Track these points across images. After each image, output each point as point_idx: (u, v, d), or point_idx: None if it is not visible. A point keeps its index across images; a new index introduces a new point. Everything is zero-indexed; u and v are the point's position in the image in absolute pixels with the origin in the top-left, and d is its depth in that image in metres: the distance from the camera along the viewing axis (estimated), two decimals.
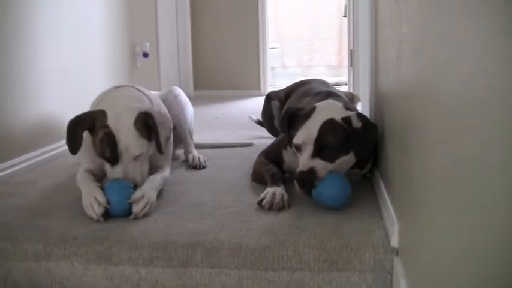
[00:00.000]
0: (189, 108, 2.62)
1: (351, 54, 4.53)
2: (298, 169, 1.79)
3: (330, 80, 4.61)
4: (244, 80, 6.28)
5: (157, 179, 1.90)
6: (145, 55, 4.44)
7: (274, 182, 1.91)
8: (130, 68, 4.14)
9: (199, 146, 2.73)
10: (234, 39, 6.23)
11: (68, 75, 2.99)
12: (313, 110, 1.88)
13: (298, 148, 1.84)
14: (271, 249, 1.49)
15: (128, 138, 1.80)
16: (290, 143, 1.92)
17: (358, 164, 1.94)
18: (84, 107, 2.18)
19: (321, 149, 1.79)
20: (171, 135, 2.22)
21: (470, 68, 0.76)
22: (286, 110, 2.04)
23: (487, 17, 0.69)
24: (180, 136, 2.55)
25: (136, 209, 1.72)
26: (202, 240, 1.55)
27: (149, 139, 1.87)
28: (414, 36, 1.23)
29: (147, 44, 4.48)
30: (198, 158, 2.48)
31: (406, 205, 1.34)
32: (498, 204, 0.64)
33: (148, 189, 1.80)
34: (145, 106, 1.93)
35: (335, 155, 1.80)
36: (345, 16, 5.81)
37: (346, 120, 1.82)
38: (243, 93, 6.14)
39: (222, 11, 6.19)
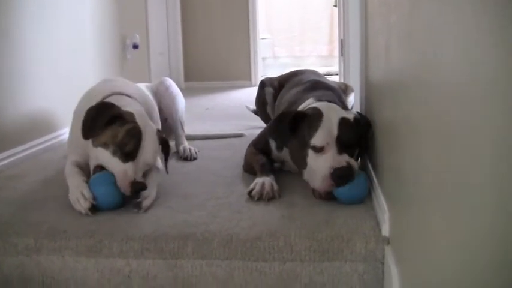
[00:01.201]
0: (180, 99, 2.61)
1: (342, 43, 4.53)
2: (333, 166, 1.72)
3: (321, 70, 4.61)
4: (235, 70, 6.27)
5: (155, 176, 1.91)
6: (136, 47, 4.41)
7: (264, 172, 1.91)
8: (121, 59, 4.12)
9: (190, 138, 2.72)
10: (224, 30, 6.21)
11: (57, 68, 2.97)
12: (319, 111, 1.84)
13: (320, 149, 1.78)
14: (262, 240, 1.49)
15: (151, 143, 1.81)
16: (304, 143, 1.81)
17: None
18: (74, 100, 2.17)
19: (344, 146, 1.78)
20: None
21: (458, 59, 0.76)
22: (283, 115, 1.93)
23: (475, 5, 0.69)
24: (171, 128, 2.55)
25: (146, 203, 1.73)
26: (193, 231, 1.55)
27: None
28: (402, 26, 1.23)
29: (137, 35, 4.45)
30: (189, 149, 2.47)
31: (396, 194, 1.34)
32: (487, 194, 0.64)
33: (151, 187, 1.81)
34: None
35: (353, 150, 1.81)
36: (335, 6, 5.80)
37: (356, 119, 1.85)
38: (234, 84, 6.13)
39: (212, 1, 6.16)
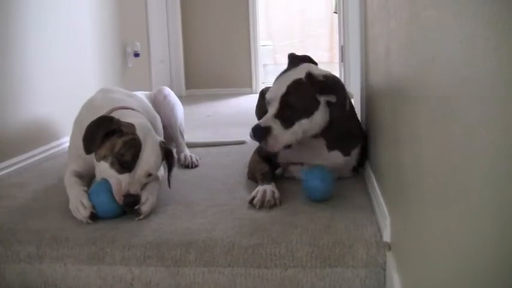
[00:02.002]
0: (179, 107, 2.61)
1: (342, 50, 4.54)
2: (259, 122, 1.83)
3: None
4: (236, 78, 6.28)
5: (155, 183, 1.90)
6: (136, 55, 4.43)
7: (265, 180, 1.91)
8: (122, 68, 4.13)
9: (191, 145, 2.73)
10: (225, 37, 6.22)
11: (58, 77, 2.98)
12: (289, 69, 1.94)
13: (268, 103, 1.89)
14: (264, 247, 1.49)
15: (152, 153, 1.80)
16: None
17: (340, 147, 1.97)
18: (76, 109, 2.17)
19: (285, 108, 1.82)
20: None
21: (457, 63, 0.76)
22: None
23: (474, 10, 0.69)
24: (171, 136, 2.55)
25: (144, 208, 1.73)
26: (195, 239, 1.55)
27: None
28: (402, 31, 1.23)
29: (138, 43, 4.47)
30: (190, 156, 2.48)
31: (398, 199, 1.34)
32: (488, 198, 0.65)
33: (149, 193, 1.80)
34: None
35: (295, 117, 1.83)
36: (335, 12, 5.82)
37: (310, 76, 1.86)
38: (235, 91, 6.14)
39: (212, 9, 6.18)
